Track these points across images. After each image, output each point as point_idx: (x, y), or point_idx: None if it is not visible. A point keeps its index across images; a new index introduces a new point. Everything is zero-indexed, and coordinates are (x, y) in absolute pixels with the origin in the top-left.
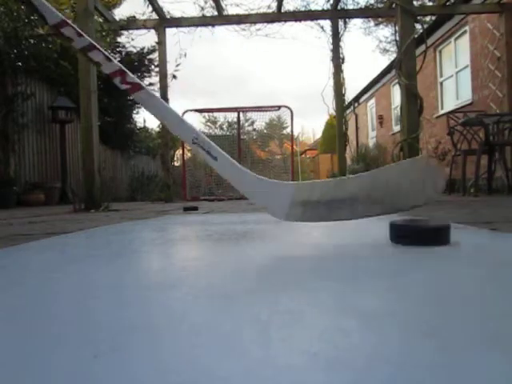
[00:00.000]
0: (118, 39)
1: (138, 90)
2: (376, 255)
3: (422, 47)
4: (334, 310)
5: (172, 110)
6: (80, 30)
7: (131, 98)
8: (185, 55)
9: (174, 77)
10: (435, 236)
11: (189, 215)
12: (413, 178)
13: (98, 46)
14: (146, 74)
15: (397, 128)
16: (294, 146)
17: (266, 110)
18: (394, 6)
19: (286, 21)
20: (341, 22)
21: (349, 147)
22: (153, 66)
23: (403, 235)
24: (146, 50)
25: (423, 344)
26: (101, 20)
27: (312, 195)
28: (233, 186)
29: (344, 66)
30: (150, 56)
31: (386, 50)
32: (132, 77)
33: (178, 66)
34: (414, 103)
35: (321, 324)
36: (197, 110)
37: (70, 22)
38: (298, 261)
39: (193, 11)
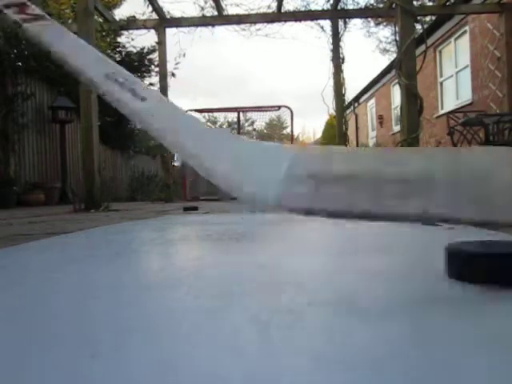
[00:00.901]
0: (118, 39)
1: (36, 19)
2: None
3: (422, 47)
4: (333, 306)
5: (81, 41)
6: None
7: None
8: (184, 55)
9: (173, 75)
10: None
11: (189, 215)
12: None
13: None
14: (146, 74)
15: (397, 128)
16: None
17: (266, 110)
18: (394, 6)
19: (286, 21)
20: (341, 22)
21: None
22: (153, 66)
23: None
24: (145, 50)
25: (423, 343)
26: (101, 20)
27: (329, 167)
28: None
29: (344, 66)
30: (150, 56)
31: (386, 50)
32: (33, 8)
33: (177, 64)
34: (414, 103)
35: (318, 320)
36: (197, 110)
37: None
38: (299, 262)
39: (193, 11)
